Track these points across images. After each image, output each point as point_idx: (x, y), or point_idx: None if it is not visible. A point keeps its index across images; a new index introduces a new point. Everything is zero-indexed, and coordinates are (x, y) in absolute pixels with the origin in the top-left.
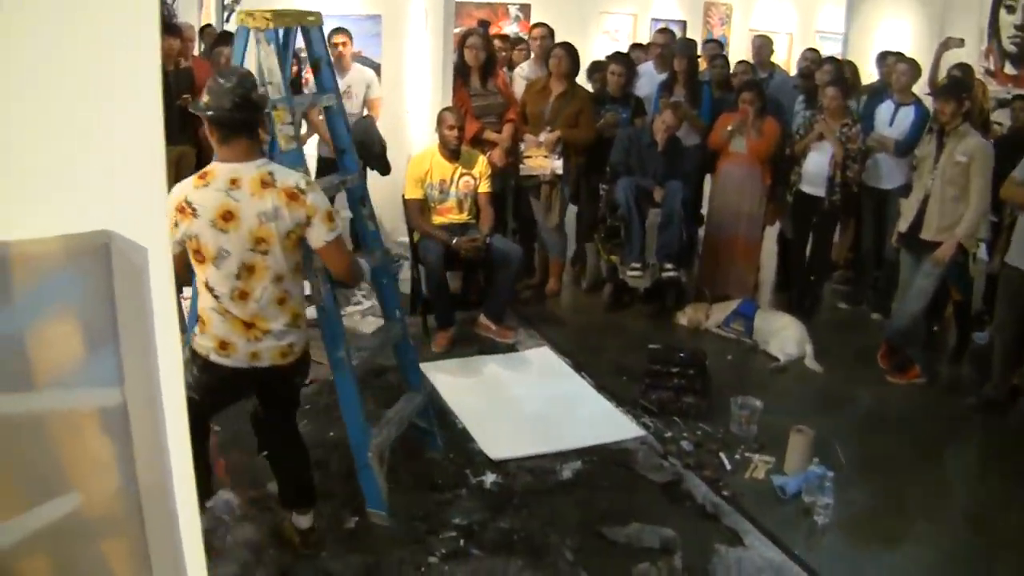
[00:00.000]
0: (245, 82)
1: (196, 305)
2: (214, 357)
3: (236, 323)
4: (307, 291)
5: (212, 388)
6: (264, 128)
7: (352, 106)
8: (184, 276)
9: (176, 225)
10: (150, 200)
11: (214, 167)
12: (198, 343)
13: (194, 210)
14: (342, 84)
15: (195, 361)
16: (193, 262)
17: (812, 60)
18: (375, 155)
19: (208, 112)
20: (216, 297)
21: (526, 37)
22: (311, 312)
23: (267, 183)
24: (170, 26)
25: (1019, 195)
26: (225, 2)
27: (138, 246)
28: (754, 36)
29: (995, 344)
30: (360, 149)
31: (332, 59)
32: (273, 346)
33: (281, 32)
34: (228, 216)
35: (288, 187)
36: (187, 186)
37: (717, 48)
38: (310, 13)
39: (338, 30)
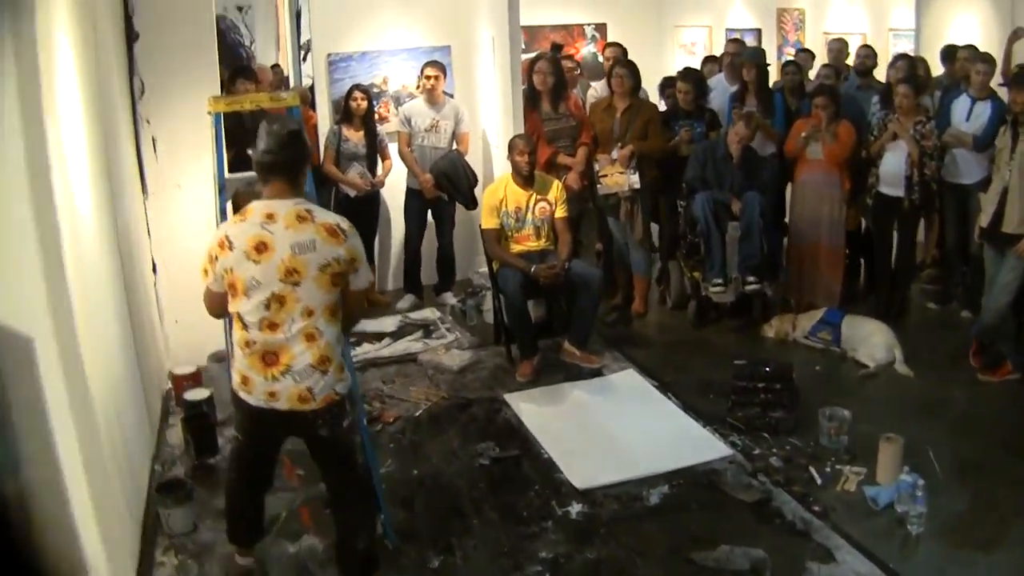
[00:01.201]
0: (283, 129)
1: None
2: (240, 393)
3: (256, 359)
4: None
5: (248, 428)
6: (302, 172)
7: (440, 140)
8: (217, 308)
9: (215, 259)
10: (36, 290)
11: (253, 204)
12: (233, 379)
13: (231, 244)
14: (431, 117)
15: (232, 398)
16: (230, 298)
17: (866, 56)
18: (463, 190)
19: (254, 154)
20: (245, 327)
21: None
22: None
23: (304, 218)
24: (245, 69)
25: None
26: (301, 42)
27: (24, 336)
28: (829, 39)
29: None
30: (446, 182)
31: (424, 92)
32: (291, 387)
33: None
34: (262, 247)
35: (328, 223)
36: (228, 223)
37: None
38: (283, 96)
39: (431, 63)
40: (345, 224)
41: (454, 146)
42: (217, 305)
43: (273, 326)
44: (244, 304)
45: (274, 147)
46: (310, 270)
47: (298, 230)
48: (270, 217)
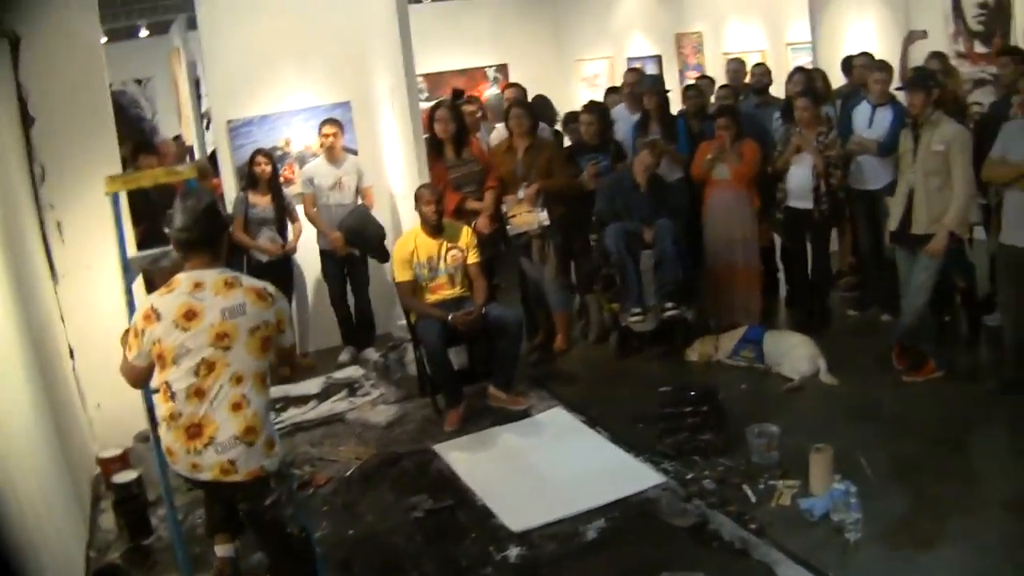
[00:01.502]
0: (198, 205)
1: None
2: (168, 462)
3: (180, 432)
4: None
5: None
6: (221, 243)
7: (344, 197)
8: (138, 382)
9: (141, 332)
10: None
11: (178, 276)
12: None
13: (158, 315)
14: (334, 175)
15: None
16: (157, 370)
17: (762, 73)
18: (373, 244)
19: (170, 231)
20: (172, 397)
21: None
22: None
23: (231, 284)
24: (146, 144)
25: (999, 174)
26: (202, 110)
27: None
28: (728, 60)
29: (1004, 324)
30: (358, 238)
31: (324, 151)
32: (213, 459)
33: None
34: (190, 315)
35: (256, 287)
36: (153, 296)
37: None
38: (180, 170)
39: (328, 121)
40: (271, 288)
41: (359, 201)
42: (139, 379)
43: (200, 393)
44: (173, 373)
45: (190, 224)
46: (241, 334)
47: (227, 296)
48: (198, 286)
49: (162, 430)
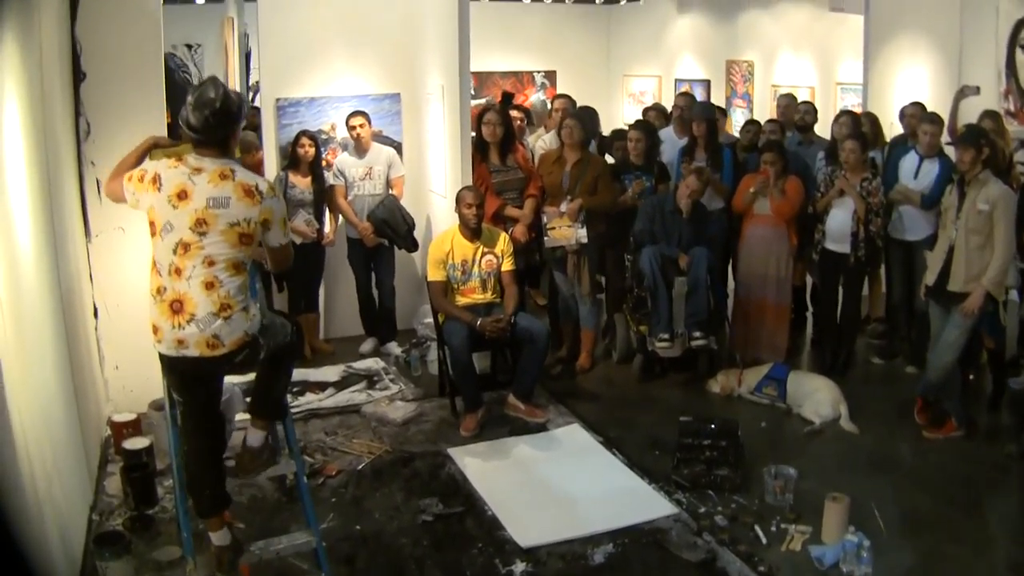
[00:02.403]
0: (211, 107)
1: None
2: (155, 345)
3: (165, 307)
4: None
5: (176, 384)
6: (233, 139)
7: (375, 186)
8: (113, 195)
9: (144, 191)
10: None
11: (189, 156)
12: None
13: (160, 185)
14: (363, 165)
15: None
16: (149, 235)
17: (806, 111)
18: (401, 234)
19: (183, 125)
20: (159, 272)
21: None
22: None
23: (225, 176)
24: None
25: None
26: (250, 83)
27: None
28: (779, 95)
29: None
30: (386, 228)
31: (352, 141)
32: (196, 334)
33: None
34: (182, 195)
35: (245, 183)
36: (164, 164)
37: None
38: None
39: (355, 113)
40: (264, 186)
41: (390, 191)
42: (114, 192)
43: (178, 271)
44: (158, 246)
45: (200, 127)
46: (218, 223)
47: (217, 186)
48: (198, 171)
49: (151, 306)
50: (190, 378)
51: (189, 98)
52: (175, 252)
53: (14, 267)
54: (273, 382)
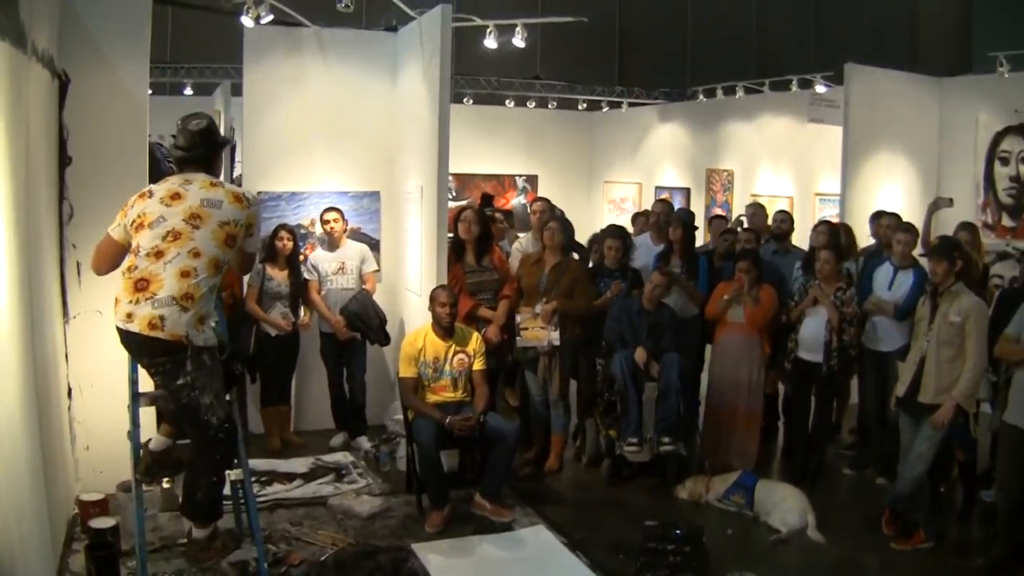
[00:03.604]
0: (195, 128)
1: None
2: (114, 319)
3: (130, 284)
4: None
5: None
6: (218, 162)
7: (347, 281)
8: (106, 260)
9: (131, 207)
10: None
11: (172, 176)
12: None
13: (151, 192)
14: (336, 260)
15: None
16: (133, 232)
17: (783, 220)
18: (374, 328)
19: (170, 148)
20: (136, 253)
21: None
22: None
23: (215, 184)
24: None
25: (1012, 352)
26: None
27: None
28: (748, 204)
29: (999, 503)
30: (358, 322)
31: (326, 236)
32: (146, 311)
33: None
34: (175, 196)
35: (234, 191)
36: (152, 185)
37: (723, 223)
38: None
39: (329, 208)
40: (251, 196)
41: (363, 286)
42: (107, 253)
43: (159, 254)
44: (144, 235)
45: (186, 145)
46: (211, 222)
47: (209, 191)
48: (188, 181)
49: (118, 281)
50: (133, 353)
51: (178, 123)
52: (164, 238)
53: None
54: (198, 474)
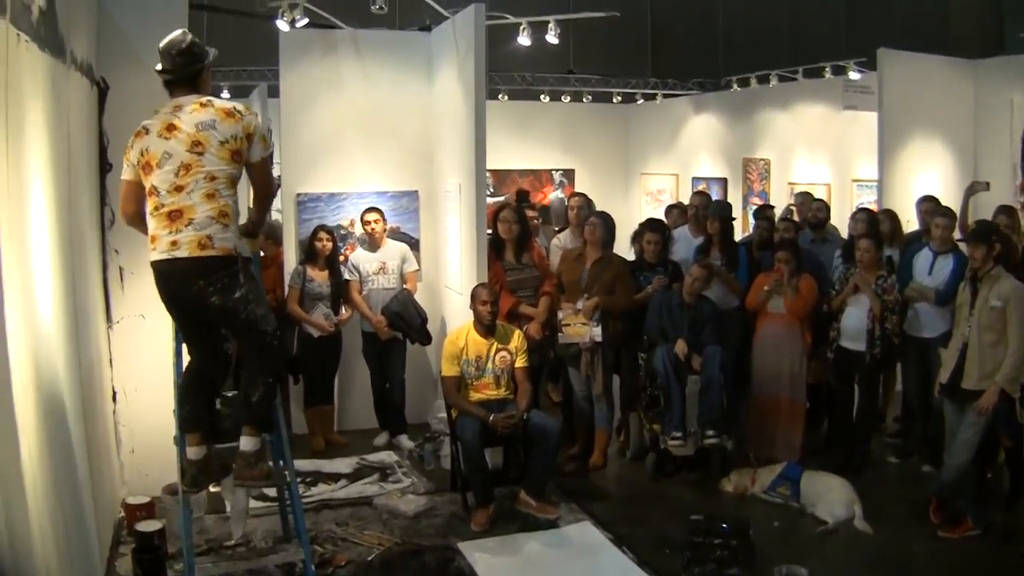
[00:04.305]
0: (173, 50)
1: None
2: (151, 256)
3: (163, 217)
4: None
5: (166, 297)
6: (204, 78)
7: (388, 281)
8: (129, 201)
9: (131, 148)
10: None
11: (165, 104)
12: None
13: (146, 129)
14: (377, 260)
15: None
16: (144, 178)
17: (818, 209)
18: (415, 327)
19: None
20: (156, 194)
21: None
22: None
23: (205, 104)
24: None
25: None
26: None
27: None
28: (796, 192)
29: None
30: (400, 321)
31: (367, 236)
32: (191, 236)
33: None
34: (171, 127)
35: (225, 107)
36: (146, 121)
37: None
38: None
39: (370, 209)
40: (241, 107)
41: (404, 285)
42: (127, 198)
43: (179, 188)
44: (157, 175)
45: (168, 67)
46: (212, 143)
47: (200, 113)
48: (178, 107)
49: (149, 224)
50: (176, 286)
51: (160, 48)
52: (176, 174)
53: (37, 348)
54: (255, 375)
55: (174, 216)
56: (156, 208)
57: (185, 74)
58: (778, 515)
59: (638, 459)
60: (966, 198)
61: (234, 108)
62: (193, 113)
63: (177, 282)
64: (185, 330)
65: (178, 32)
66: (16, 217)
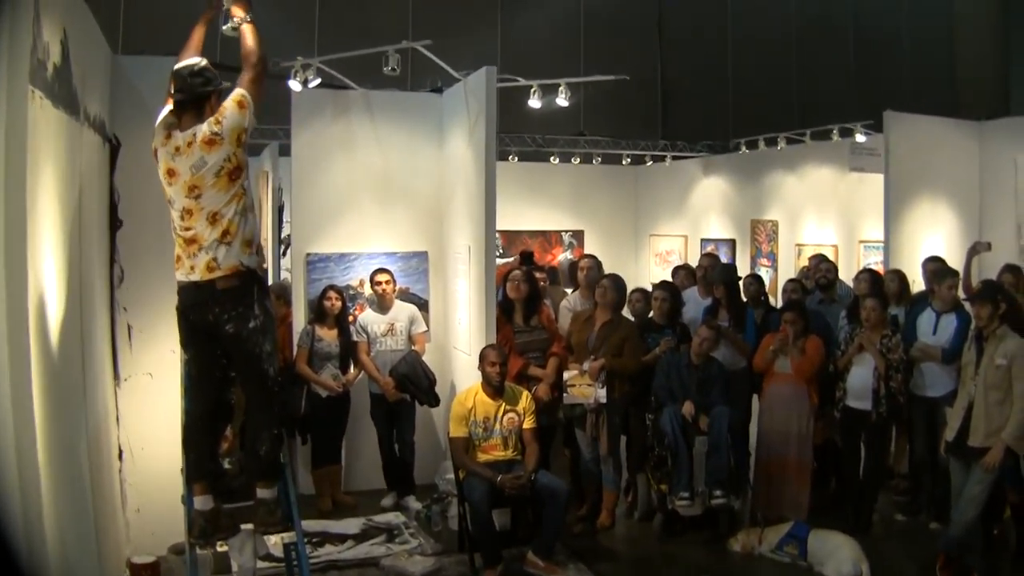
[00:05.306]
0: (186, 71)
1: None
2: (177, 275)
3: (183, 241)
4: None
5: (183, 326)
6: (214, 103)
7: (397, 342)
8: None
9: (157, 152)
10: None
11: (175, 133)
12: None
13: (157, 159)
14: (386, 321)
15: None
16: (166, 187)
17: (827, 270)
18: (423, 389)
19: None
20: (174, 208)
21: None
22: None
23: (191, 143)
24: None
25: None
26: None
27: None
28: (811, 255)
29: None
30: (407, 383)
31: (377, 298)
32: (202, 259)
33: None
34: (171, 173)
35: (206, 136)
36: (158, 140)
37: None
38: None
39: (380, 270)
40: (216, 128)
41: (412, 347)
42: None
43: (190, 212)
44: (173, 190)
45: (180, 87)
46: (207, 180)
47: (189, 154)
48: (178, 149)
49: (176, 243)
50: (192, 310)
51: (174, 68)
52: (183, 219)
53: (46, 405)
54: (260, 428)
55: (190, 240)
56: (176, 229)
57: (196, 95)
58: (786, 574)
59: (646, 519)
60: (969, 258)
61: (214, 134)
62: (184, 156)
63: (192, 306)
64: (195, 365)
65: (195, 60)
66: (29, 273)
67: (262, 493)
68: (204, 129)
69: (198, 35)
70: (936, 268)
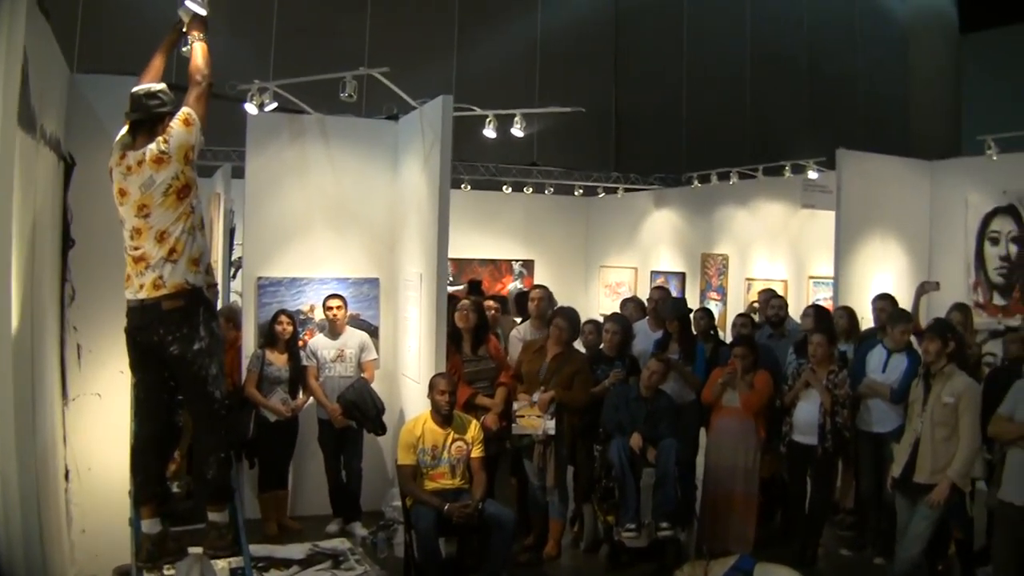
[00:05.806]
0: (141, 91)
1: None
2: (126, 294)
3: (132, 261)
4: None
5: (130, 346)
6: (163, 122)
7: (346, 369)
8: None
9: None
10: None
11: (128, 153)
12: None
13: (112, 178)
14: (336, 347)
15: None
16: (118, 205)
17: (779, 307)
18: (370, 417)
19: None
20: (124, 227)
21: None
22: None
23: (141, 161)
24: None
25: (1006, 431)
26: (232, 259)
27: None
28: (761, 290)
29: None
30: (355, 411)
31: (327, 322)
32: (148, 277)
33: None
34: (122, 192)
35: (155, 155)
36: (114, 161)
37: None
38: None
39: (333, 295)
40: (164, 147)
41: (361, 374)
42: None
43: (139, 231)
44: (124, 210)
45: (135, 107)
46: (155, 199)
47: (140, 173)
48: (129, 169)
49: (127, 262)
50: (138, 331)
51: (131, 91)
52: (132, 238)
53: None
54: (207, 453)
55: (138, 259)
56: (127, 248)
57: (151, 116)
58: None
59: (592, 550)
60: (917, 297)
61: (162, 152)
62: (134, 175)
63: (139, 328)
64: (143, 387)
65: (154, 84)
66: None
67: (213, 516)
68: (152, 148)
69: (159, 61)
70: (893, 312)
